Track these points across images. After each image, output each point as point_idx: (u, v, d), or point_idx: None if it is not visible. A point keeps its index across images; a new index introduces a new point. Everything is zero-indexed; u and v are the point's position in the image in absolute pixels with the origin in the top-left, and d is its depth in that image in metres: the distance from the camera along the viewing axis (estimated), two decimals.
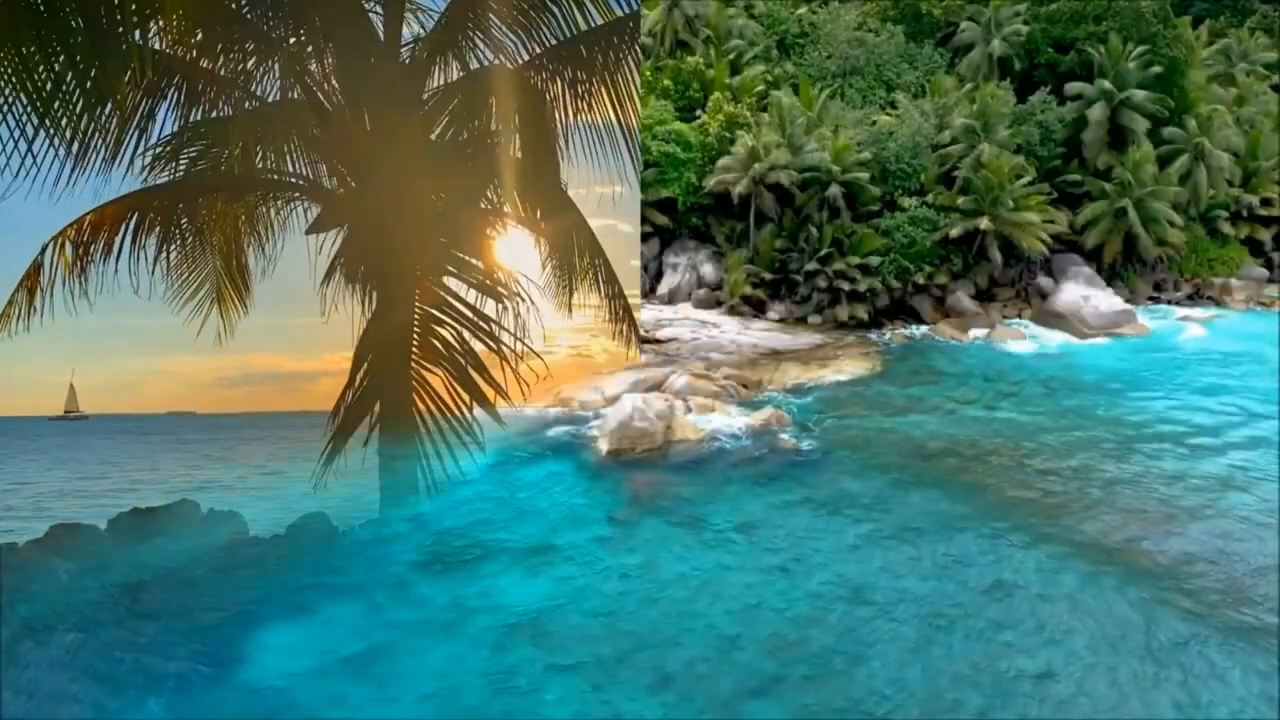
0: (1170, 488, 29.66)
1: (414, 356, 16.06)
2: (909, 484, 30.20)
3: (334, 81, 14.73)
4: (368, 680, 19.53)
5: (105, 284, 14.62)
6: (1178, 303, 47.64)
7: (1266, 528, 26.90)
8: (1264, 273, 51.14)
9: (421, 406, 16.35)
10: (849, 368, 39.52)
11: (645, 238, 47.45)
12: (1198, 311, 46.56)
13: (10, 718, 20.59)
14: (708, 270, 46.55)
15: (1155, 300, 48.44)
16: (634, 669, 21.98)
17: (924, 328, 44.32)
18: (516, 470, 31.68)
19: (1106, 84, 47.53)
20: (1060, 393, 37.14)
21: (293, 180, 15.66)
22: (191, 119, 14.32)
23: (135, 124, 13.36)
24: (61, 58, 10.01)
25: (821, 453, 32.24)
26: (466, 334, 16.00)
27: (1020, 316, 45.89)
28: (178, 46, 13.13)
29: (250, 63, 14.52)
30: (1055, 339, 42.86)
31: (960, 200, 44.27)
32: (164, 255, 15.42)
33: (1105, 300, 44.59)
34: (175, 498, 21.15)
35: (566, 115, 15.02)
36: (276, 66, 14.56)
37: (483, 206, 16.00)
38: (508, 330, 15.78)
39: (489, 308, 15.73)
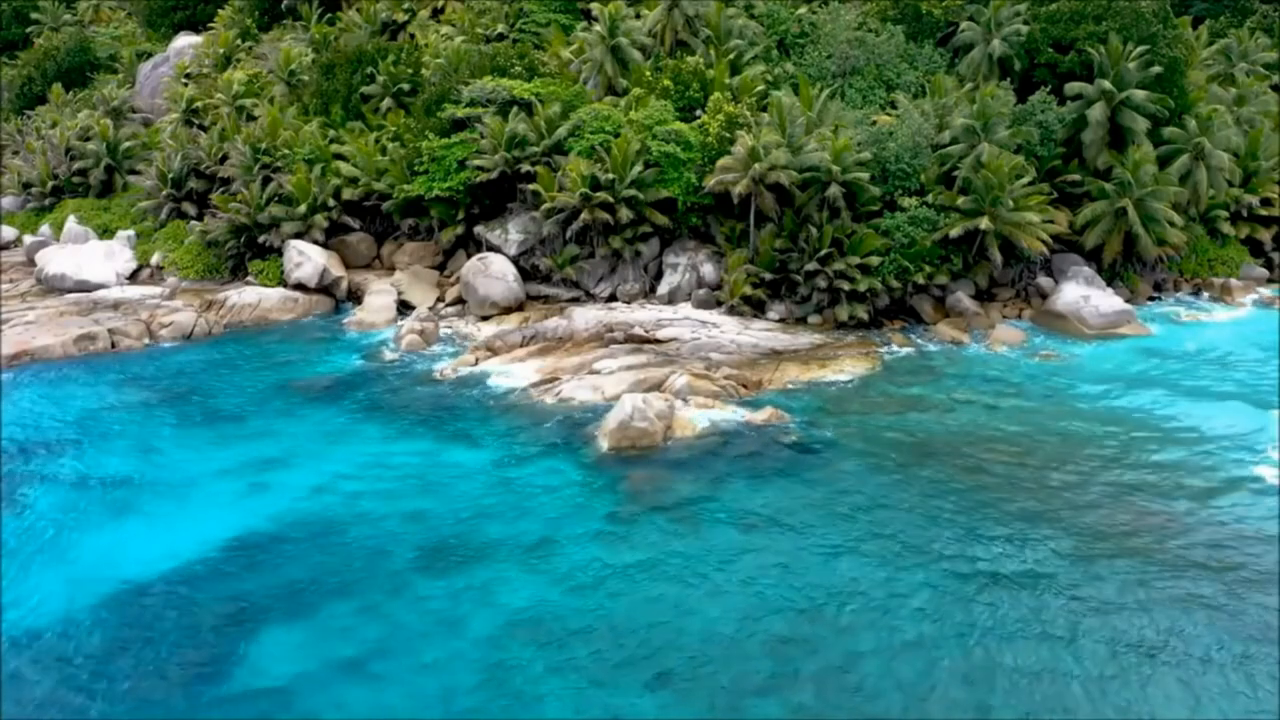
0: None
1: None
2: (908, 482, 30.23)
3: None
4: None
5: None
6: (1180, 299, 47.45)
7: None
8: (1264, 273, 51.00)
9: None
10: (849, 367, 39.54)
11: (645, 238, 47.46)
12: (1200, 311, 46.51)
13: (10, 717, 20.66)
14: (708, 270, 46.52)
15: (1155, 299, 48.36)
16: (633, 665, 22.02)
17: (924, 328, 44.26)
18: (518, 467, 31.73)
19: (1106, 84, 47.44)
20: (1060, 394, 37.14)
21: None
22: None
23: None
24: None
25: (821, 451, 32.25)
26: None
27: (1020, 316, 45.78)
28: None
29: None
30: (1055, 340, 42.78)
31: (960, 200, 44.20)
32: None
33: (1105, 300, 44.51)
34: None
35: None
36: None
37: None
38: None
39: None
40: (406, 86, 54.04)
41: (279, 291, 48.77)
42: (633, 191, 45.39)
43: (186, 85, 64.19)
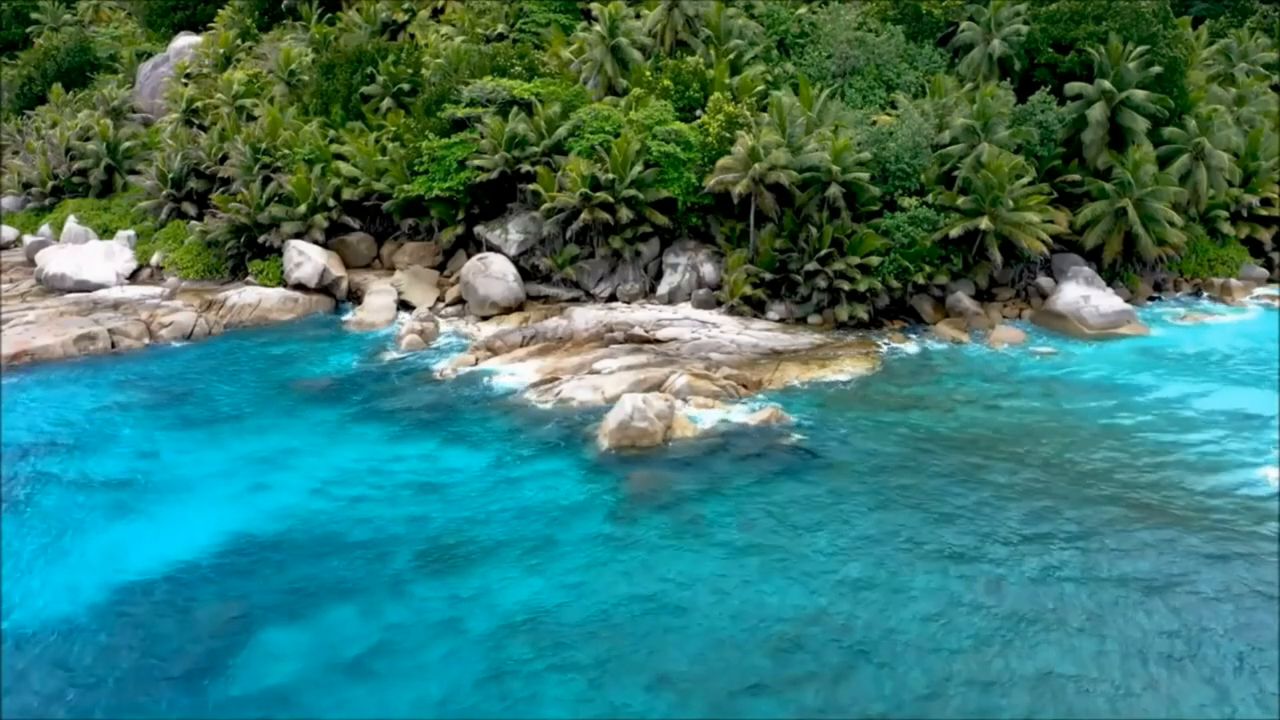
0: None
1: None
2: (909, 481, 30.22)
3: None
4: None
5: None
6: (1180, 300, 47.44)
7: None
8: (1264, 273, 51.00)
9: None
10: (849, 367, 39.54)
11: (645, 238, 47.46)
12: (1200, 311, 46.51)
13: (11, 718, 20.67)
14: (708, 270, 46.54)
15: (1155, 300, 48.35)
16: (633, 666, 22.01)
17: (924, 328, 44.24)
18: (518, 467, 31.73)
19: (1106, 84, 47.43)
20: (1060, 394, 37.14)
21: None
22: None
23: None
24: None
25: (821, 451, 32.25)
26: None
27: (1020, 316, 45.76)
28: None
29: None
30: (1055, 340, 42.78)
31: (960, 200, 44.19)
32: None
33: (1105, 300, 44.50)
34: None
35: None
36: None
37: None
38: None
39: None
40: (406, 86, 54.04)
41: (279, 291, 48.78)
42: (633, 191, 45.40)
43: (186, 85, 64.20)
